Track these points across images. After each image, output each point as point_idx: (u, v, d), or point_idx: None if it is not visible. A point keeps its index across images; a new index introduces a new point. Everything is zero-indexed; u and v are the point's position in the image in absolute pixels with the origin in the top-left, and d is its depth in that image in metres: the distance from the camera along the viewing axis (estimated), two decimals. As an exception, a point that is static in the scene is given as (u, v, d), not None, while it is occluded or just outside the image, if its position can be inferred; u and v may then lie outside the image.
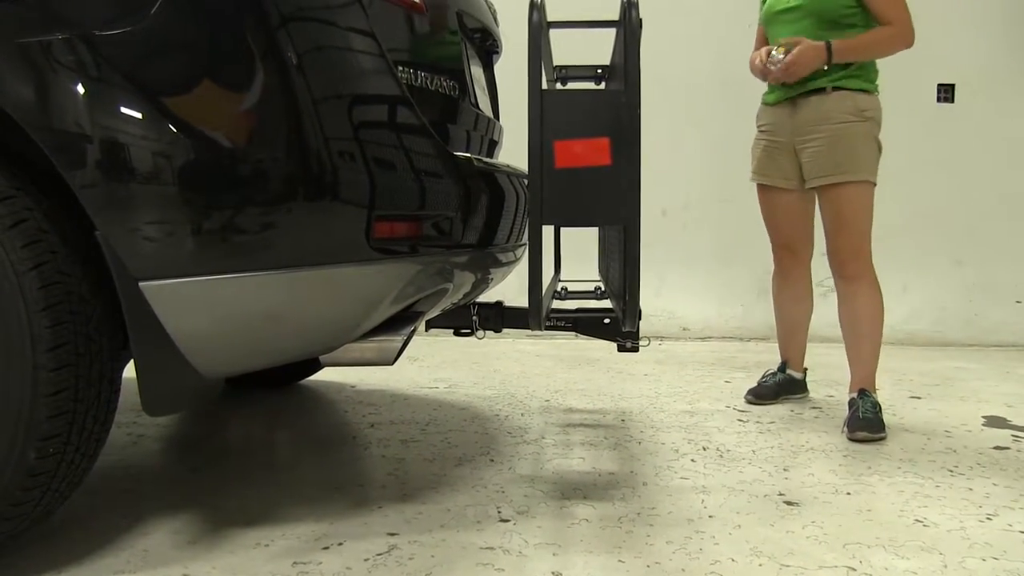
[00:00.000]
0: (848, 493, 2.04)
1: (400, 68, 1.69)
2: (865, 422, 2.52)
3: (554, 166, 1.54)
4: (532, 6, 1.55)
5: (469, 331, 2.26)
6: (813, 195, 2.77)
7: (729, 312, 4.49)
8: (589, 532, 1.79)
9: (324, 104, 1.50)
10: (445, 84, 1.85)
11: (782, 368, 3.05)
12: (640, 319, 1.67)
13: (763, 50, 2.68)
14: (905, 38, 2.60)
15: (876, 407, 2.59)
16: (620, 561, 1.66)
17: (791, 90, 2.69)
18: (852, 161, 2.60)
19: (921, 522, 1.86)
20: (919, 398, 3.14)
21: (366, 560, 1.64)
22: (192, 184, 1.40)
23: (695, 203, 4.53)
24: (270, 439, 2.61)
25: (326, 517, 1.85)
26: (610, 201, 1.53)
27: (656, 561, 1.66)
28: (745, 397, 2.99)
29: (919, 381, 3.47)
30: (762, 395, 2.97)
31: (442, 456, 2.32)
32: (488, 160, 1.95)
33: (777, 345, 3.10)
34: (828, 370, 3.49)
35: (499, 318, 2.24)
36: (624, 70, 1.51)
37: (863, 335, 2.67)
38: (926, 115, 4.46)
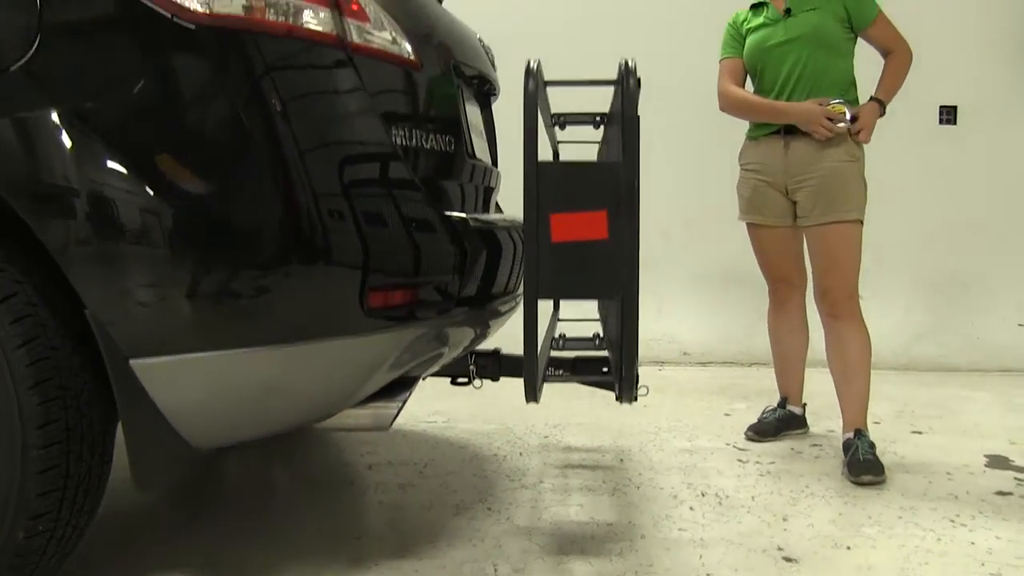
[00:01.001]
0: (848, 547, 2.02)
1: (396, 130, 1.67)
2: (867, 464, 2.50)
3: (550, 240, 1.53)
4: (528, 73, 1.53)
5: (467, 380, 2.24)
6: (802, 231, 2.80)
7: (731, 336, 4.47)
8: (586, 594, 1.78)
9: (316, 176, 1.48)
10: (441, 140, 1.83)
11: (782, 404, 3.04)
12: (637, 388, 1.65)
13: (816, 105, 2.64)
14: (910, 55, 2.74)
15: (873, 447, 2.58)
16: (616, 629, 1.64)
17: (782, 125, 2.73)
18: (845, 201, 2.63)
19: (922, 582, 1.84)
20: (920, 433, 3.12)
21: (362, 627, 1.63)
22: (182, 262, 1.39)
23: (696, 224, 4.51)
24: (267, 480, 2.59)
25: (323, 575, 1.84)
26: (608, 274, 1.52)
27: (651, 630, 1.65)
28: (745, 433, 2.97)
29: (921, 413, 3.44)
30: (763, 432, 2.95)
31: (440, 503, 2.30)
32: (484, 217, 1.92)
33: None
34: (828, 399, 3.46)
35: (496, 367, 2.21)
36: (622, 141, 1.49)
37: (855, 376, 2.66)
38: (927, 137, 4.44)
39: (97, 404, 1.48)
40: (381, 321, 1.55)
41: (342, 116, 1.56)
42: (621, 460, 2.72)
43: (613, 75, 1.65)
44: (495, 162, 2.51)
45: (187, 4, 1.40)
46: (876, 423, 3.22)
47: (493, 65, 2.34)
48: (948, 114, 4.43)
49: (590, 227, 1.50)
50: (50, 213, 1.36)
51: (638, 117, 1.51)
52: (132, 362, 1.39)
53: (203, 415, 1.48)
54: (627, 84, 1.50)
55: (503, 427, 3.11)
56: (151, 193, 1.37)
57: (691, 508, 2.28)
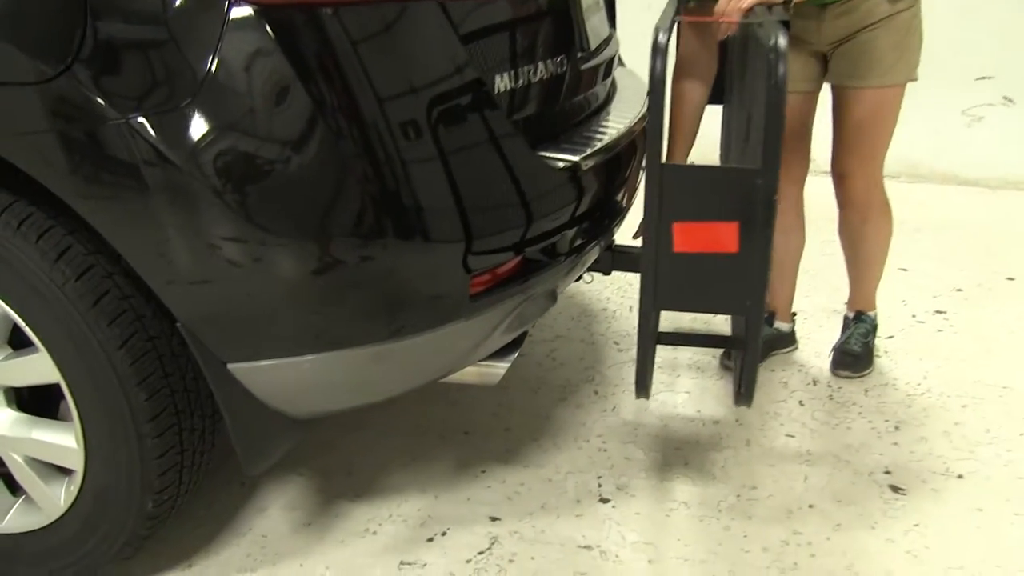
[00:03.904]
0: (959, 476, 1.88)
1: (499, 76, 1.40)
2: (852, 358, 2.26)
3: (672, 250, 1.29)
4: (655, 50, 1.21)
5: (577, 276, 2.08)
6: (818, 98, 2.12)
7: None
8: (687, 526, 1.73)
9: (411, 159, 1.27)
10: (552, 65, 1.54)
11: (768, 321, 2.36)
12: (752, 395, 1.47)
13: None
14: None
15: (869, 335, 2.29)
16: (713, 578, 1.61)
17: None
18: (891, 62, 1.96)
19: (1036, 539, 1.71)
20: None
21: (468, 562, 1.64)
22: (280, 267, 1.25)
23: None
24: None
25: (431, 486, 1.84)
26: (734, 290, 1.29)
27: (749, 582, 1.61)
28: (721, 361, 2.33)
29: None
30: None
31: (546, 383, 2.24)
32: (599, 143, 1.65)
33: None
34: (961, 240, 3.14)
35: (609, 261, 2.02)
36: (764, 141, 1.19)
37: (868, 263, 2.25)
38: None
39: (202, 375, 1.42)
40: (487, 300, 1.40)
41: (436, 78, 1.30)
42: (732, 324, 2.57)
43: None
44: (614, 21, 2.15)
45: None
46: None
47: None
48: None
49: (718, 239, 1.26)
50: (126, 223, 1.22)
51: (783, 98, 1.19)
52: (230, 366, 1.31)
53: (307, 400, 1.41)
54: (775, 71, 1.16)
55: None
56: (231, 197, 1.19)
57: (800, 403, 2.16)
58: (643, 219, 1.32)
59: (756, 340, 1.33)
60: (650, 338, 1.37)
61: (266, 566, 1.63)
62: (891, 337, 2.47)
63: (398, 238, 1.28)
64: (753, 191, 1.24)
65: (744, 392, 1.43)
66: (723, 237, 1.26)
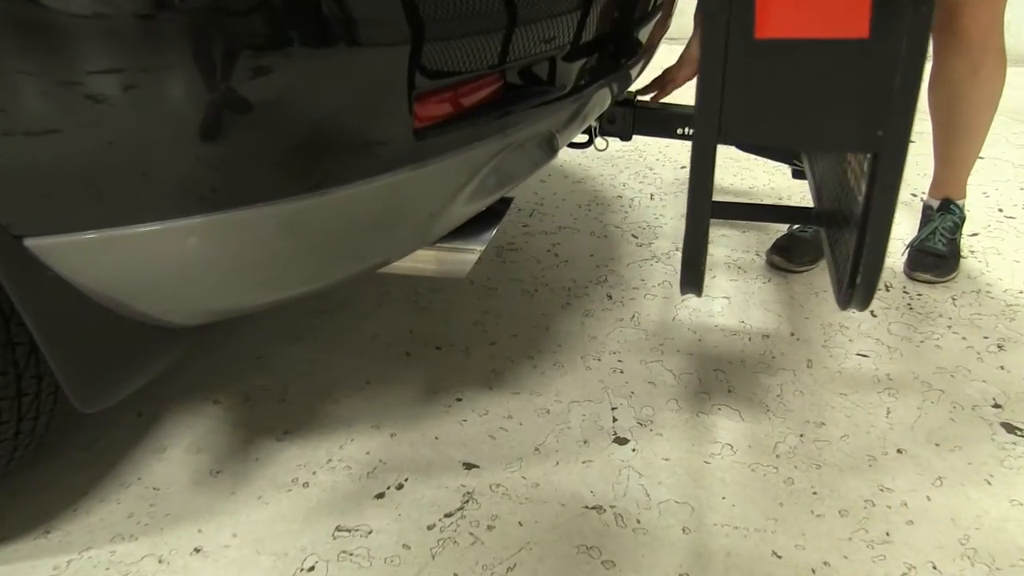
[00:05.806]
0: (1096, 412, 1.39)
1: None
2: (935, 259, 1.75)
3: (752, 36, 0.73)
4: None
5: (585, 141, 1.54)
6: None
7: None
8: (733, 478, 1.24)
9: None
10: None
11: None
12: (872, 294, 0.94)
13: None
14: None
15: (956, 230, 1.79)
16: (776, 556, 1.12)
17: None
18: None
19: None
20: None
21: (430, 528, 1.15)
22: (145, 98, 0.71)
23: None
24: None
25: (387, 418, 1.35)
26: (856, 110, 0.73)
27: (825, 561, 1.12)
28: (768, 257, 1.83)
29: None
30: (792, 252, 1.81)
31: (546, 285, 1.73)
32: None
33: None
34: None
35: (629, 121, 1.48)
36: None
37: (968, 132, 1.73)
38: None
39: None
40: (444, 139, 0.87)
41: None
42: (779, 198, 2.03)
43: None
44: None
45: None
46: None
47: None
48: None
49: (835, 15, 0.70)
50: None
51: None
52: (29, 243, 0.79)
53: (182, 295, 0.89)
54: None
55: (631, 148, 2.41)
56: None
57: (872, 313, 1.65)
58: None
59: (889, 204, 0.78)
60: (707, 202, 0.82)
61: (151, 532, 1.14)
62: (975, 235, 1.95)
63: (306, 42, 0.75)
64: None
65: (861, 287, 0.88)
66: (845, 10, 0.70)
